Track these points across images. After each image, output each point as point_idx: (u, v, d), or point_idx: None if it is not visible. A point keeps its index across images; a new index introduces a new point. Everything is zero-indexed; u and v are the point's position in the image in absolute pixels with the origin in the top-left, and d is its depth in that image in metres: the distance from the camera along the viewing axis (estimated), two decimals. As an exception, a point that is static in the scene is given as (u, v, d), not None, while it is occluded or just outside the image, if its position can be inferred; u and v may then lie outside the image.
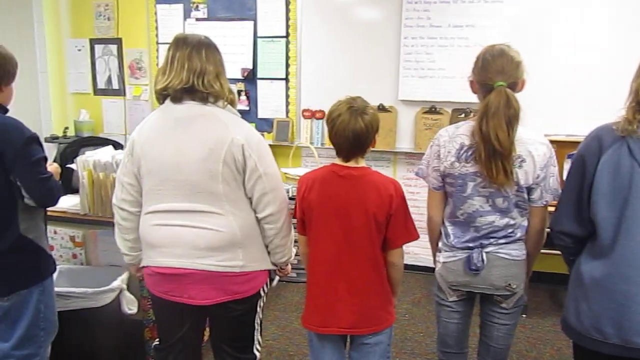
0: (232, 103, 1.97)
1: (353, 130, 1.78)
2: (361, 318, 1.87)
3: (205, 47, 1.91)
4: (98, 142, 4.30)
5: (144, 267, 2.00)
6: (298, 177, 3.47)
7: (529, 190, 1.88)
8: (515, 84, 1.84)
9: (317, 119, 4.24)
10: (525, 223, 1.94)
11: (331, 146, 1.89)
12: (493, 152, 1.79)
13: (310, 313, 1.95)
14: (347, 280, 1.85)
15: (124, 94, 4.69)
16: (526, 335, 3.31)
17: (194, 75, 1.85)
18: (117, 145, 3.92)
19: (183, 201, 1.86)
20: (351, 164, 1.85)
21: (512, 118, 1.78)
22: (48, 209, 2.20)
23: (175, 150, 1.85)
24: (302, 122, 4.31)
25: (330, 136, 1.86)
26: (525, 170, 1.84)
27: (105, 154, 2.87)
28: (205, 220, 1.85)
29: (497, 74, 1.82)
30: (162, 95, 1.93)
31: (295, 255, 2.12)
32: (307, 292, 1.99)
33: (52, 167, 2.20)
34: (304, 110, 4.31)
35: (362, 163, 1.87)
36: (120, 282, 2.67)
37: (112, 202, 2.03)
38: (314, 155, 4.05)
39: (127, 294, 2.71)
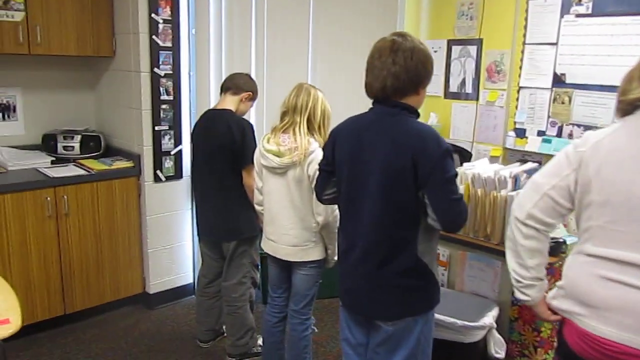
0: None
1: None
2: None
3: None
4: (446, 148, 4.07)
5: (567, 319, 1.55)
6: None
7: None
8: None
9: None
10: None
11: None
12: None
13: None
14: None
15: (477, 99, 4.34)
16: None
17: None
18: (465, 153, 3.59)
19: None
20: None
21: None
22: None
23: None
24: None
25: None
26: None
27: (486, 167, 2.52)
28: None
29: None
30: (633, 106, 1.42)
31: None
32: None
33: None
34: None
35: None
36: (491, 319, 2.30)
37: (512, 215, 1.64)
38: None
39: (496, 334, 2.33)
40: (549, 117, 3.94)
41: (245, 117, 2.87)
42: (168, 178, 3.40)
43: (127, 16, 3.20)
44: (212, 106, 3.36)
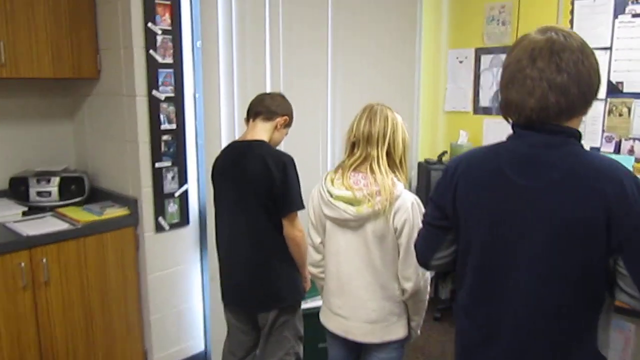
0: None
1: None
2: None
3: None
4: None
5: None
6: None
7: None
8: None
9: None
10: None
11: None
12: None
13: None
14: None
15: (512, 114, 3.83)
16: None
17: None
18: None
19: None
20: None
21: None
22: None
23: None
24: None
25: None
26: None
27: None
28: None
29: None
30: None
31: None
32: None
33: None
34: None
35: None
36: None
37: None
38: None
39: None
40: (603, 131, 3.46)
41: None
42: (172, 226, 2.74)
43: (116, 27, 2.55)
44: (223, 135, 2.77)
